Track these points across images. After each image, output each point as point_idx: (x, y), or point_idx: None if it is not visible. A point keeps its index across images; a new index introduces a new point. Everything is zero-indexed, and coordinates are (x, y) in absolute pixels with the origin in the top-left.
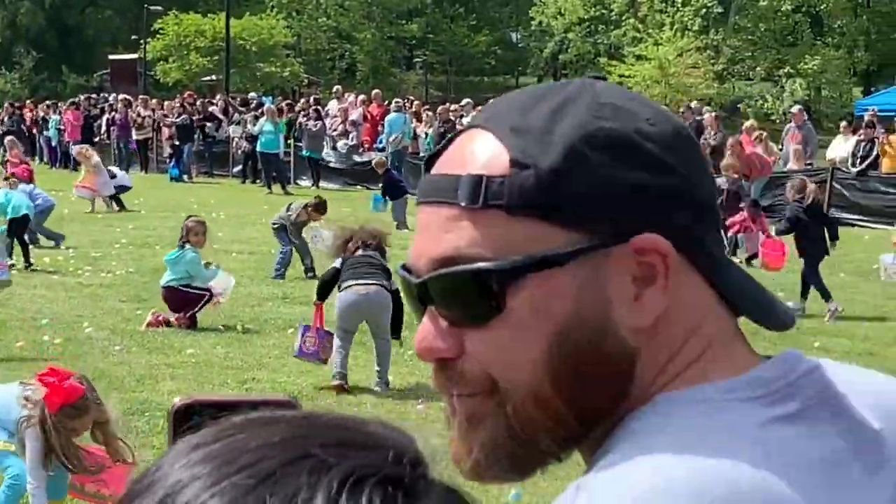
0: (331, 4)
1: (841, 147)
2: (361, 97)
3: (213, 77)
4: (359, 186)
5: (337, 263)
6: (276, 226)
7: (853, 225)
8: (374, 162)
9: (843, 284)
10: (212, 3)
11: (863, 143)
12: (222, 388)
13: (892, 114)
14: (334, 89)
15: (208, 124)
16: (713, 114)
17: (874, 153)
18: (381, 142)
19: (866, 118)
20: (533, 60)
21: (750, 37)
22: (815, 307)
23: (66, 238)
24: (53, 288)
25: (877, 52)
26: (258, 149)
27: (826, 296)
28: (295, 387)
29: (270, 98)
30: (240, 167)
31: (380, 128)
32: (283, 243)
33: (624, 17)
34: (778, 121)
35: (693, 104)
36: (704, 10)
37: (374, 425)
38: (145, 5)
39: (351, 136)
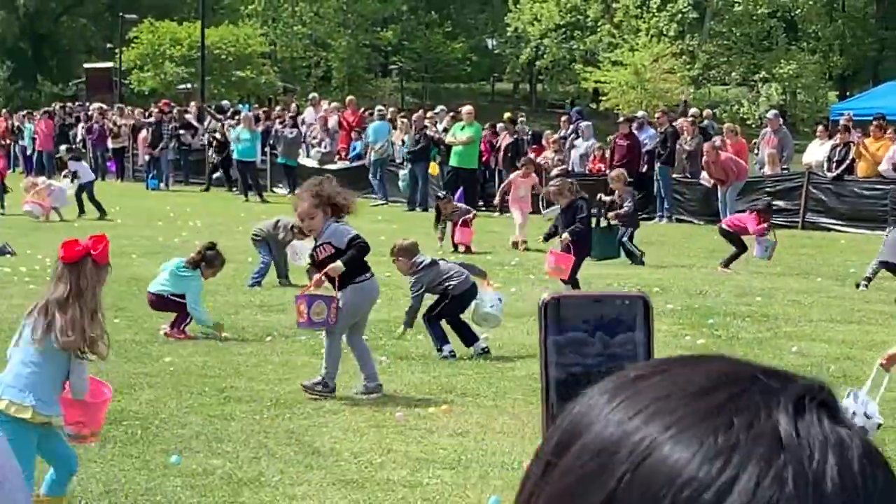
0: (306, 12)
1: (816, 151)
2: (335, 104)
3: (189, 85)
4: None
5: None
6: (257, 238)
7: (829, 229)
8: None
9: (820, 288)
10: (187, 11)
11: (838, 148)
12: (200, 396)
13: (868, 118)
14: (310, 96)
15: (182, 132)
16: (689, 119)
17: (850, 157)
18: (354, 149)
19: (842, 123)
20: (509, 67)
21: (725, 42)
22: (791, 311)
23: (43, 246)
24: (30, 297)
25: (851, 56)
26: (235, 156)
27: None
28: (273, 394)
29: (247, 106)
30: (215, 175)
31: (353, 135)
32: (264, 254)
33: (599, 23)
34: (754, 125)
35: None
36: (680, 15)
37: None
38: (120, 13)
39: (324, 143)
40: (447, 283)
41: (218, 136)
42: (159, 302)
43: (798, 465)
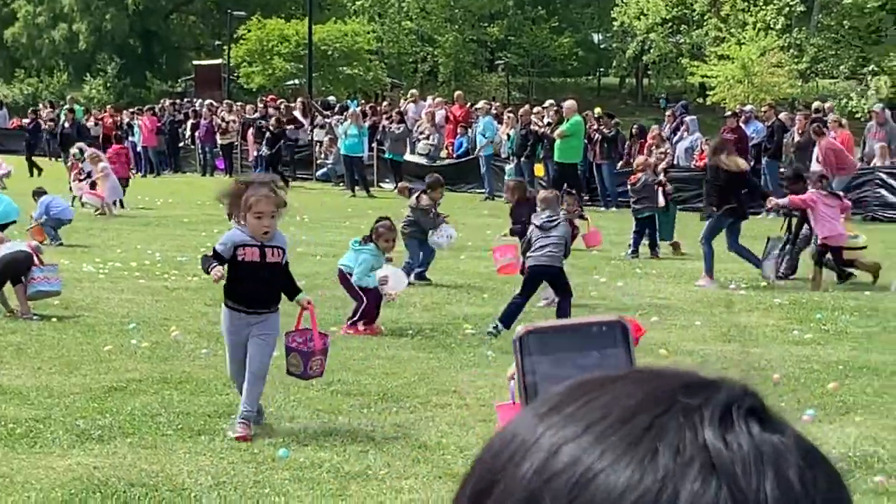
0: (413, 8)
1: None
2: (440, 99)
3: (297, 81)
4: None
5: None
6: (406, 230)
7: None
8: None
9: None
10: (294, 8)
11: None
12: (307, 390)
13: None
14: (409, 93)
15: (290, 128)
16: (802, 113)
17: None
18: (461, 144)
19: None
20: (615, 61)
21: (833, 35)
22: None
23: (149, 243)
24: (140, 292)
25: None
26: (342, 152)
27: None
28: (380, 388)
29: (355, 102)
30: (324, 171)
31: (459, 130)
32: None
33: (706, 17)
34: (863, 119)
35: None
36: (787, 8)
37: (702, 369)
38: (228, 10)
39: (432, 137)
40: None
41: (272, 128)
42: (342, 279)
43: (734, 486)
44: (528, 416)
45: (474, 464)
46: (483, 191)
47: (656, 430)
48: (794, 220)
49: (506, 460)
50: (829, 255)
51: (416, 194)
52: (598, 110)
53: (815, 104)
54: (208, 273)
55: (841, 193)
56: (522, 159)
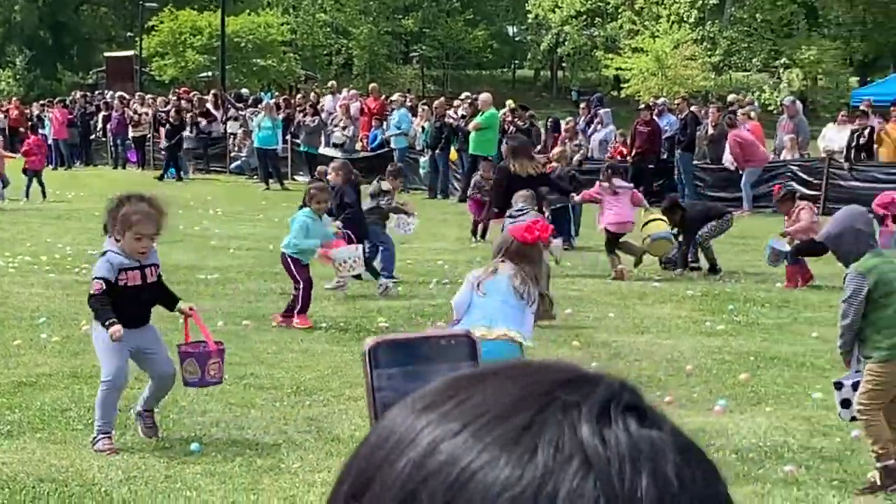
0: (327, 0)
1: (834, 136)
2: (355, 91)
3: (210, 74)
4: None
5: None
6: (369, 217)
7: None
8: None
9: (840, 273)
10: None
11: (857, 133)
12: (220, 383)
13: (888, 104)
14: (329, 84)
15: (203, 121)
16: (714, 106)
17: (870, 142)
18: (375, 137)
19: (861, 108)
20: (530, 54)
21: (746, 28)
22: (811, 297)
23: (60, 236)
24: (51, 286)
25: (872, 42)
26: (255, 144)
27: None
28: (293, 382)
29: (269, 94)
30: (237, 163)
31: (374, 122)
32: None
33: (620, 10)
34: (775, 111)
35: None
36: (700, 1)
37: (582, 365)
38: (140, 2)
39: (348, 129)
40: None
41: (172, 120)
42: (284, 263)
43: (608, 484)
44: (405, 413)
45: (350, 460)
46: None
47: (535, 428)
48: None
49: (382, 457)
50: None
51: (377, 179)
52: (509, 103)
53: (731, 97)
54: (106, 328)
55: (630, 185)
56: (437, 152)
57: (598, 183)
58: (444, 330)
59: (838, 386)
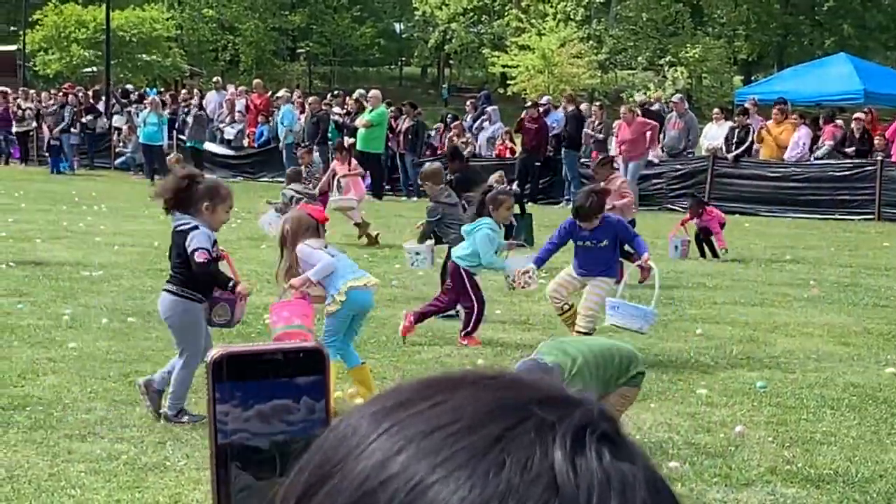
0: None
1: (714, 134)
2: (242, 87)
3: (94, 69)
4: (240, 178)
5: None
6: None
7: (733, 213)
8: (171, 159)
9: (724, 271)
10: None
11: (736, 130)
12: (105, 381)
13: (772, 102)
14: (213, 80)
15: (88, 116)
16: (598, 103)
17: (749, 140)
18: (262, 133)
19: (747, 105)
20: (417, 51)
21: (632, 26)
22: (696, 294)
23: None
24: None
25: (756, 41)
26: (141, 140)
27: None
28: None
29: (154, 90)
30: (122, 159)
31: (260, 119)
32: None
33: (507, 8)
34: (661, 109)
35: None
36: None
37: (560, 381)
38: None
39: (234, 126)
40: (451, 234)
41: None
42: (455, 276)
43: None
44: (371, 411)
45: (309, 455)
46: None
47: (505, 443)
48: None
49: (343, 456)
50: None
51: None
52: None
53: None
54: (233, 288)
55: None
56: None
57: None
58: (292, 342)
59: None
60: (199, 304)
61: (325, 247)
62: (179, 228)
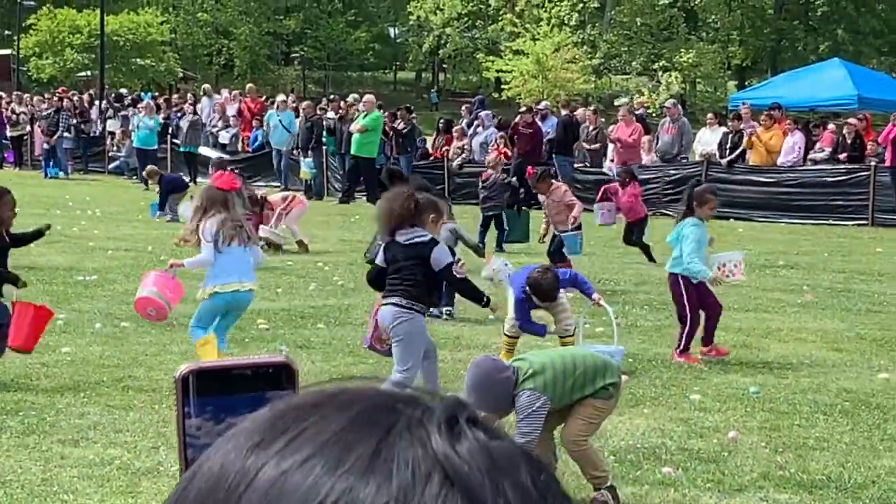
0: (207, 0)
1: (708, 139)
2: (236, 92)
3: (89, 73)
4: None
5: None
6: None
7: (727, 218)
8: (146, 172)
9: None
10: None
11: (730, 136)
12: (98, 386)
13: (766, 108)
14: (203, 87)
15: (82, 120)
16: (591, 108)
17: (741, 146)
18: (256, 138)
19: (741, 111)
20: (411, 56)
21: (626, 31)
22: None
23: None
24: None
25: (750, 46)
26: (135, 144)
27: None
28: (172, 384)
29: (148, 94)
30: (116, 163)
31: (255, 123)
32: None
33: (501, 13)
34: (654, 115)
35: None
36: (581, 4)
37: (395, 388)
38: (18, 0)
39: (229, 130)
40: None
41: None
42: (675, 287)
43: (476, 499)
44: (233, 451)
45: (182, 485)
46: (278, 184)
47: (385, 452)
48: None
49: (222, 499)
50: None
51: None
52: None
53: (622, 100)
54: (487, 303)
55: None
56: (309, 152)
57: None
58: (261, 357)
59: None
60: (423, 316)
61: (239, 224)
62: (415, 241)
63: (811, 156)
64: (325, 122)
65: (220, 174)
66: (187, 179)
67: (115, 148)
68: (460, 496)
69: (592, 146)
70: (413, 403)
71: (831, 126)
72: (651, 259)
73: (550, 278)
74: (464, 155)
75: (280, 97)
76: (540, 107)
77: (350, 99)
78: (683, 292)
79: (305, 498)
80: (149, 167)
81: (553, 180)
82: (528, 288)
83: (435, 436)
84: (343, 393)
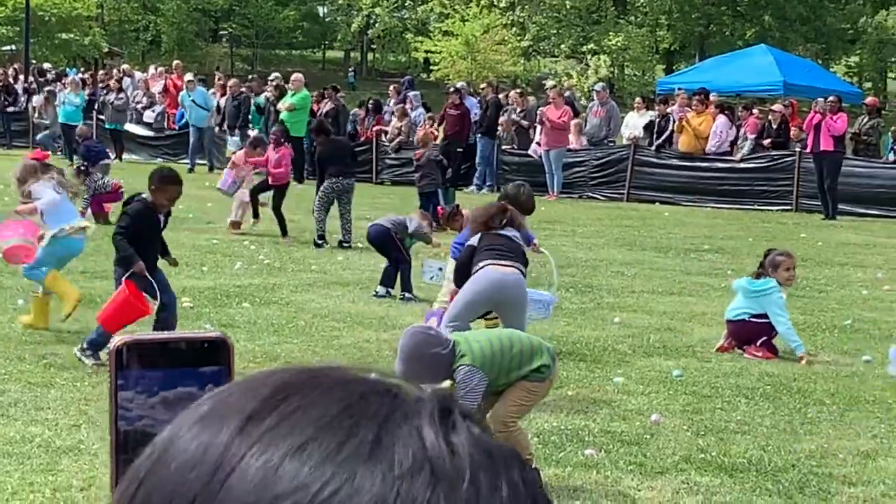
0: None
1: (634, 123)
2: (161, 69)
3: (13, 47)
4: (160, 159)
5: (474, 241)
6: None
7: (653, 202)
8: (77, 130)
9: (643, 260)
10: None
11: (658, 120)
12: (20, 362)
13: (692, 92)
14: (122, 68)
15: (6, 97)
16: (518, 90)
17: (668, 130)
18: (181, 116)
19: (677, 98)
20: (340, 35)
21: (555, 14)
22: (614, 282)
23: None
24: None
25: (678, 31)
26: (60, 120)
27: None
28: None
29: (74, 69)
30: (44, 133)
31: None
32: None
33: None
34: (583, 98)
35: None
36: None
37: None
38: None
39: (154, 108)
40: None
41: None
42: (739, 330)
43: (477, 494)
44: (209, 425)
45: (142, 485)
46: (204, 162)
47: (386, 441)
48: None
49: (203, 483)
50: None
51: None
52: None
53: (550, 82)
54: None
55: None
56: (238, 130)
57: None
58: (196, 332)
59: None
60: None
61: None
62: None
63: (738, 145)
64: (253, 102)
65: (37, 151)
66: (112, 155)
67: (37, 115)
68: (458, 489)
69: (521, 122)
70: (400, 394)
71: (755, 111)
72: (284, 233)
73: (528, 189)
74: (401, 137)
75: (188, 76)
76: (458, 85)
77: (272, 77)
78: (751, 330)
79: (300, 486)
80: (81, 126)
81: (465, 211)
82: (506, 202)
83: (433, 427)
84: (327, 375)
